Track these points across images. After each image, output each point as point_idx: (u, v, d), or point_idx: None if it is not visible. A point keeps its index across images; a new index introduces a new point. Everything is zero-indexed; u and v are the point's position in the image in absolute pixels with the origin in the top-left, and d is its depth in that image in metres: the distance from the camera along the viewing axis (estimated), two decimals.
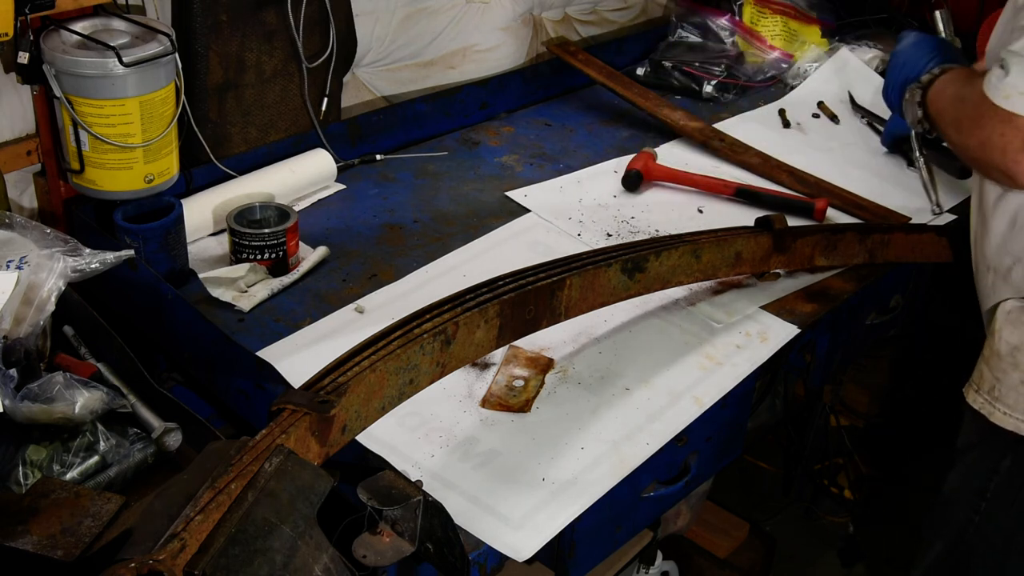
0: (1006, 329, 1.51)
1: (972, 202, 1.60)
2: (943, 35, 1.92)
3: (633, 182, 2.06)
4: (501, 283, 1.45)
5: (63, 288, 1.43)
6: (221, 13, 1.82)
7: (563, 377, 1.53)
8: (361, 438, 1.31)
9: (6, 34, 1.49)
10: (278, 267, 1.72)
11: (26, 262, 1.42)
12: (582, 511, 1.31)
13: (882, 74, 2.63)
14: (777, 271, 1.79)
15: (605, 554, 1.59)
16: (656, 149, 2.21)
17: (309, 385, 1.20)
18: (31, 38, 1.55)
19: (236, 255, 1.72)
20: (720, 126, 2.34)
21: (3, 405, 1.27)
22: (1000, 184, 1.47)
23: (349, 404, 1.22)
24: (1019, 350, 1.49)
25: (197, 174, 1.88)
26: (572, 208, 1.99)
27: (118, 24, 1.65)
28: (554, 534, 1.27)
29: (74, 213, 1.74)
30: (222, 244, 1.79)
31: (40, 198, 1.78)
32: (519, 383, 1.50)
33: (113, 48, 1.56)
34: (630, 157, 2.14)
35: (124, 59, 1.55)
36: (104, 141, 1.62)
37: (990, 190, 1.51)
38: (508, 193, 2.04)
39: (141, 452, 1.35)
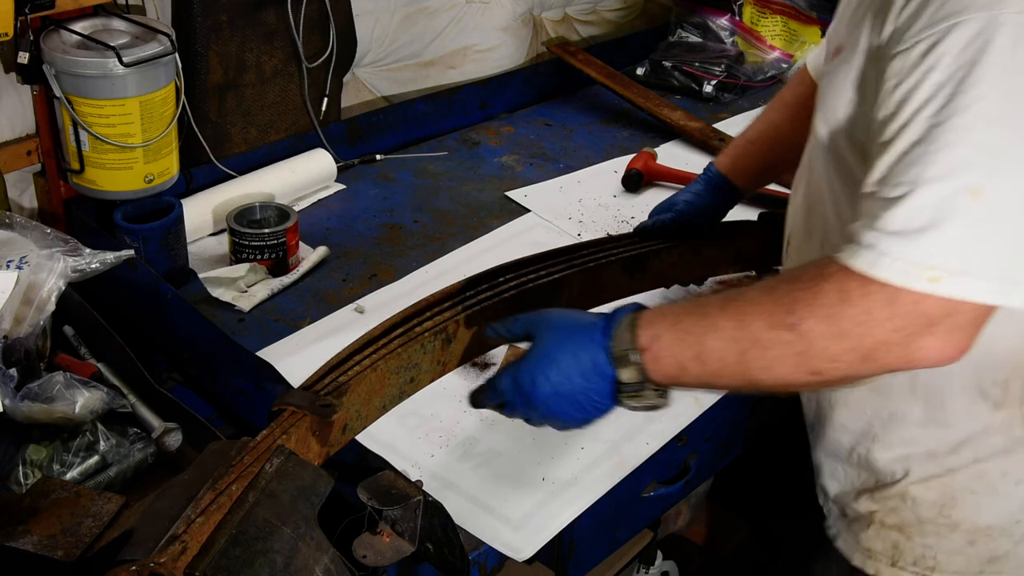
0: (918, 488, 1.25)
1: None
2: None
3: (633, 182, 2.06)
4: (502, 280, 1.45)
5: (63, 288, 1.43)
6: (221, 13, 1.82)
7: None
8: (361, 438, 1.31)
9: (6, 34, 1.48)
10: (278, 267, 1.72)
11: (26, 262, 1.42)
12: (582, 511, 1.31)
13: None
14: (776, 267, 1.79)
15: (605, 554, 1.59)
16: (656, 149, 2.20)
17: (309, 385, 1.20)
18: (31, 38, 1.55)
19: (236, 255, 1.72)
20: (720, 126, 2.34)
21: (3, 405, 1.27)
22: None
23: (350, 403, 1.22)
24: (950, 506, 1.22)
25: (197, 174, 1.88)
26: (572, 208, 1.99)
27: (118, 24, 1.65)
28: (554, 534, 1.27)
29: (74, 213, 1.74)
30: (222, 244, 1.79)
31: (40, 198, 1.78)
32: None
33: (113, 48, 1.56)
34: (630, 157, 2.14)
35: (124, 59, 1.55)
36: (104, 141, 1.61)
37: None
38: (508, 193, 2.04)
39: (141, 452, 1.35)
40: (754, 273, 1.77)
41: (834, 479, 1.39)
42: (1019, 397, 1.18)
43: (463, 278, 1.44)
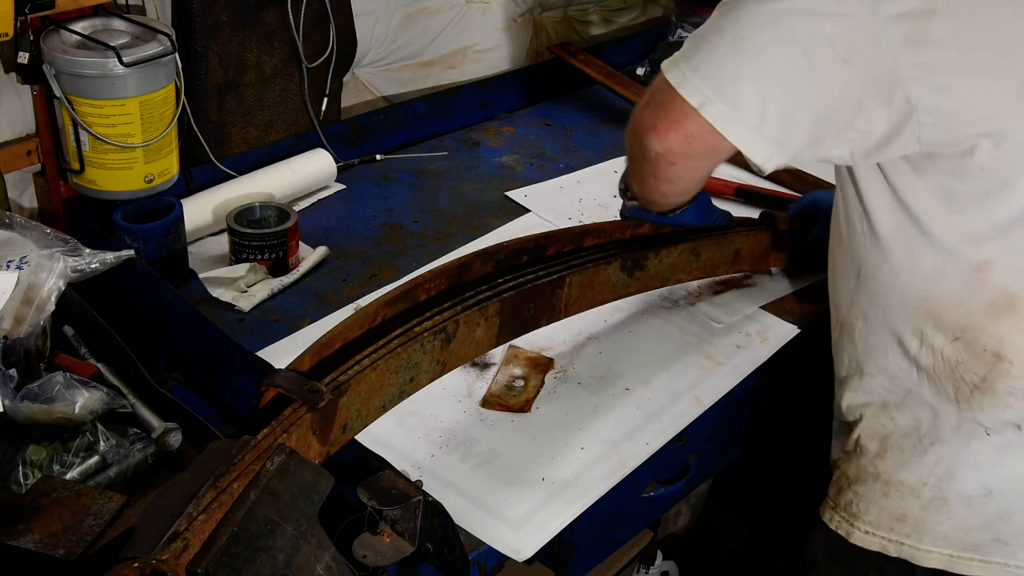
0: (866, 437, 1.35)
1: (830, 249, 1.42)
2: None
3: None
4: (501, 281, 1.45)
5: (63, 288, 1.43)
6: (221, 13, 1.82)
7: (563, 377, 1.53)
8: (361, 438, 1.31)
9: (6, 34, 1.49)
10: (278, 267, 1.72)
11: (26, 262, 1.42)
12: (582, 511, 1.31)
13: None
14: (771, 270, 1.79)
15: (605, 554, 1.59)
16: None
17: (297, 367, 1.21)
18: (31, 38, 1.55)
19: (236, 255, 1.72)
20: None
21: (3, 405, 1.27)
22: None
23: (350, 403, 1.22)
24: (880, 456, 1.33)
25: (197, 174, 1.88)
26: (572, 208, 1.99)
27: (118, 24, 1.65)
28: (554, 534, 1.27)
29: (74, 213, 1.74)
30: (222, 244, 1.79)
31: (40, 198, 1.78)
32: (519, 383, 1.50)
33: (113, 48, 1.56)
34: None
35: (124, 59, 1.55)
36: (104, 141, 1.61)
37: (839, 230, 1.34)
38: (508, 193, 2.04)
39: (141, 452, 1.35)
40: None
41: (833, 437, 1.46)
42: (934, 356, 1.25)
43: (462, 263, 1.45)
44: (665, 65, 1.17)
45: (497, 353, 1.54)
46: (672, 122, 1.16)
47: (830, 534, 1.40)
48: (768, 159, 1.15)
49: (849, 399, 1.38)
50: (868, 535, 1.36)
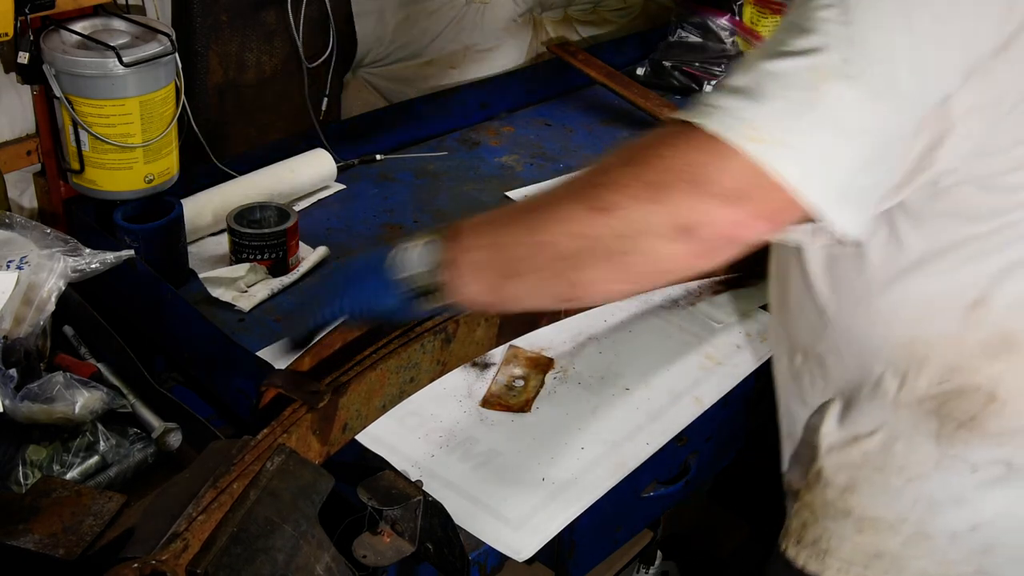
0: (831, 470, 1.27)
1: (772, 270, 1.32)
2: None
3: None
4: None
5: (63, 288, 1.43)
6: (221, 13, 1.82)
7: (563, 377, 1.53)
8: (361, 438, 1.31)
9: (6, 34, 1.48)
10: (278, 267, 1.72)
11: (26, 262, 1.42)
12: (582, 511, 1.31)
13: None
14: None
15: (605, 554, 1.59)
16: None
17: (296, 368, 1.20)
18: (31, 38, 1.55)
19: (236, 255, 1.72)
20: None
21: (3, 405, 1.27)
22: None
23: (350, 403, 1.22)
24: (850, 491, 1.25)
25: (197, 174, 1.88)
26: None
27: (118, 24, 1.65)
28: (554, 534, 1.27)
29: (74, 213, 1.74)
30: (222, 244, 1.79)
31: (40, 198, 1.78)
32: (519, 383, 1.50)
33: (113, 48, 1.56)
34: None
35: (124, 59, 1.55)
36: (104, 141, 1.62)
37: (801, 267, 1.22)
38: (508, 193, 2.04)
39: (141, 452, 1.35)
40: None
41: (791, 462, 1.40)
42: (918, 396, 1.19)
43: None
44: (763, 155, 0.89)
45: (497, 353, 1.54)
46: (775, 212, 0.94)
47: (795, 571, 1.33)
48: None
49: (813, 423, 1.30)
50: (841, 573, 1.29)
